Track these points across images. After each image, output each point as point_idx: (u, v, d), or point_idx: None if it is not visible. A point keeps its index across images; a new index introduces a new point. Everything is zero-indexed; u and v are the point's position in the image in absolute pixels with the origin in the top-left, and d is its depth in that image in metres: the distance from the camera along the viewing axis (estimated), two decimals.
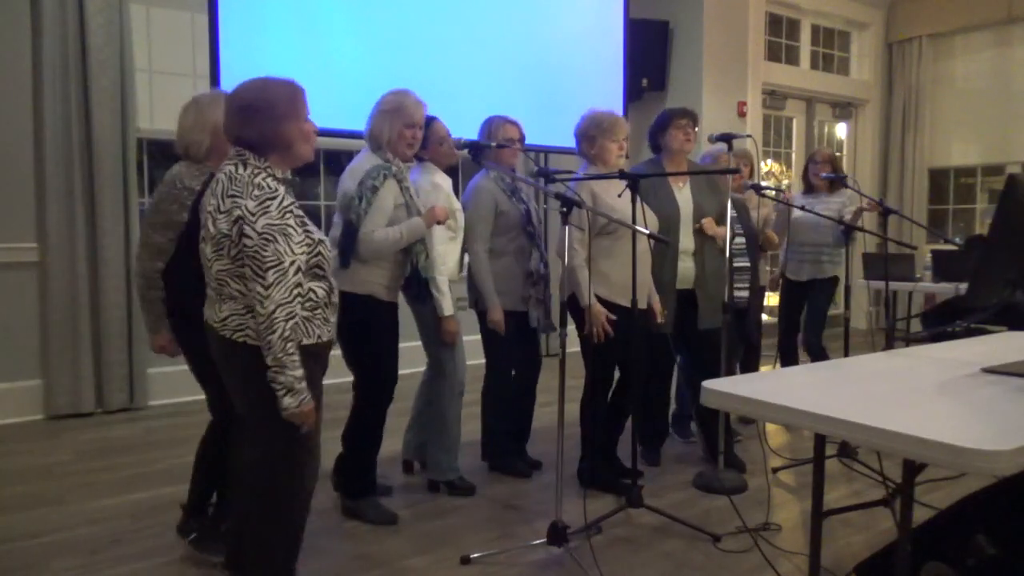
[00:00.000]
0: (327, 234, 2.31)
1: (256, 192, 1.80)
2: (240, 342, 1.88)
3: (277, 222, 1.79)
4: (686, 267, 3.25)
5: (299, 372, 1.81)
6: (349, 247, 2.65)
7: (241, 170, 1.84)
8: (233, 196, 1.81)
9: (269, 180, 1.84)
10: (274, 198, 1.81)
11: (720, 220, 3.28)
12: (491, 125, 3.22)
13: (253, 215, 1.78)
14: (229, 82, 3.89)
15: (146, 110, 4.55)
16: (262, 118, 1.85)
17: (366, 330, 2.70)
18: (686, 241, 3.24)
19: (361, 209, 2.63)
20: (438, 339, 2.99)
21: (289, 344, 1.79)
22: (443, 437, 3.08)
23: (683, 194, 3.28)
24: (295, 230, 1.83)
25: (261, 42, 4.11)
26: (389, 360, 2.79)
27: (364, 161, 2.74)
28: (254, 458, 1.96)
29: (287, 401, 1.81)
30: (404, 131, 2.73)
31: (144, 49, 4.53)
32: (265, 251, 1.77)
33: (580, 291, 2.91)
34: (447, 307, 2.90)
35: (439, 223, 2.79)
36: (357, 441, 2.83)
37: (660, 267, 3.20)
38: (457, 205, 3.09)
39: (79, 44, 4.16)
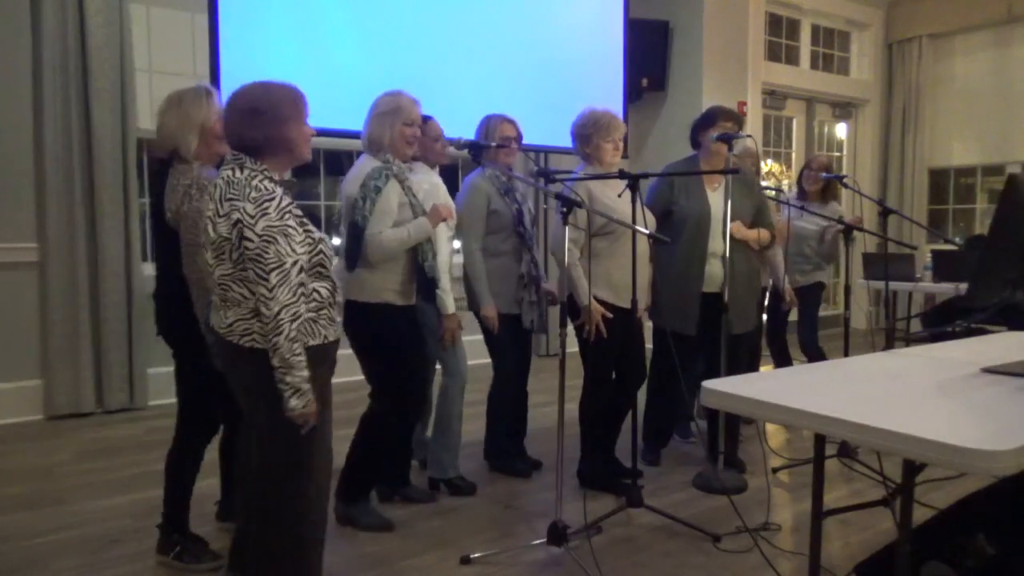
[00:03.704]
0: (330, 238, 2.31)
1: (254, 195, 1.81)
2: (247, 347, 1.87)
3: (277, 223, 1.79)
4: (713, 270, 3.19)
5: (305, 373, 1.81)
6: (355, 249, 2.62)
7: (238, 173, 1.85)
8: (231, 200, 1.82)
9: (266, 182, 1.84)
10: (272, 199, 1.81)
11: (752, 223, 3.26)
12: (489, 124, 3.22)
13: (252, 217, 1.78)
14: (229, 82, 3.90)
15: (146, 110, 4.54)
16: (267, 120, 1.86)
17: (387, 341, 2.67)
18: (715, 243, 3.19)
19: (366, 210, 2.61)
20: (438, 338, 2.99)
21: (296, 345, 1.79)
22: (446, 435, 3.09)
23: (716, 195, 3.23)
24: (295, 230, 1.83)
25: (261, 42, 4.11)
26: (416, 367, 2.77)
27: (364, 165, 2.73)
28: (260, 462, 1.96)
29: (293, 403, 1.80)
30: (404, 130, 2.73)
31: (144, 49, 4.53)
32: (267, 253, 1.78)
33: (577, 290, 2.91)
34: (450, 305, 2.91)
35: (443, 221, 2.79)
36: (367, 446, 2.77)
37: (687, 268, 3.17)
38: (452, 205, 3.09)
39: (79, 44, 4.16)
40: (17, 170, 4.15)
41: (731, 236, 3.14)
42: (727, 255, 3.12)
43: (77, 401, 4.27)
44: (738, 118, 3.26)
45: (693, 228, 3.16)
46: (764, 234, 3.29)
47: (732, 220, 3.16)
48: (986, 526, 2.01)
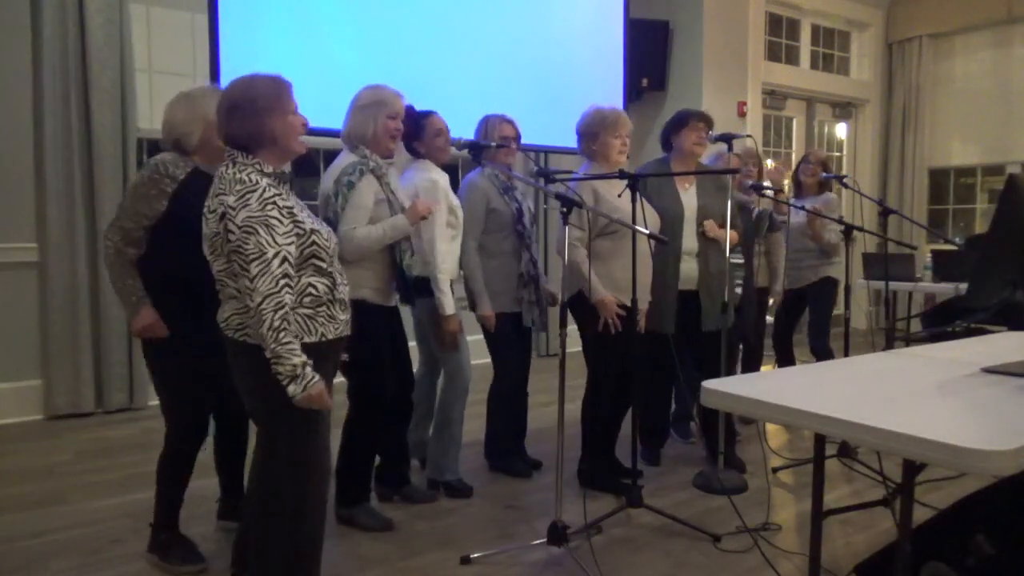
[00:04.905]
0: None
1: (237, 187, 1.82)
2: (241, 341, 1.88)
3: (257, 214, 1.79)
4: (689, 268, 3.23)
5: (297, 360, 1.79)
6: None
7: (230, 169, 1.87)
8: (219, 195, 1.83)
9: (252, 175, 1.85)
10: (254, 191, 1.81)
11: (724, 222, 3.27)
12: (488, 124, 3.21)
13: (234, 209, 1.79)
14: (229, 81, 3.90)
15: (146, 110, 4.54)
16: (246, 114, 1.86)
17: (357, 336, 2.58)
18: (689, 242, 3.22)
19: (338, 206, 2.56)
20: (437, 339, 2.98)
21: (282, 334, 1.77)
22: (444, 438, 3.08)
23: (688, 194, 3.27)
24: (279, 221, 1.82)
25: (261, 42, 4.11)
26: (384, 368, 2.70)
27: (342, 160, 2.68)
28: (261, 459, 1.96)
29: (291, 389, 1.79)
30: (389, 123, 2.68)
31: (144, 49, 4.53)
32: (247, 244, 1.77)
33: (587, 285, 2.90)
34: (448, 306, 2.87)
35: (423, 219, 2.71)
36: (351, 449, 2.77)
37: (663, 267, 3.19)
38: (456, 201, 3.07)
39: (79, 44, 4.16)
40: (17, 170, 4.15)
41: (707, 234, 3.19)
42: (720, 252, 3.15)
43: (77, 401, 4.27)
44: (709, 120, 3.31)
45: (667, 228, 3.17)
46: (733, 235, 3.29)
47: (707, 219, 3.22)
48: (986, 526, 2.01)
